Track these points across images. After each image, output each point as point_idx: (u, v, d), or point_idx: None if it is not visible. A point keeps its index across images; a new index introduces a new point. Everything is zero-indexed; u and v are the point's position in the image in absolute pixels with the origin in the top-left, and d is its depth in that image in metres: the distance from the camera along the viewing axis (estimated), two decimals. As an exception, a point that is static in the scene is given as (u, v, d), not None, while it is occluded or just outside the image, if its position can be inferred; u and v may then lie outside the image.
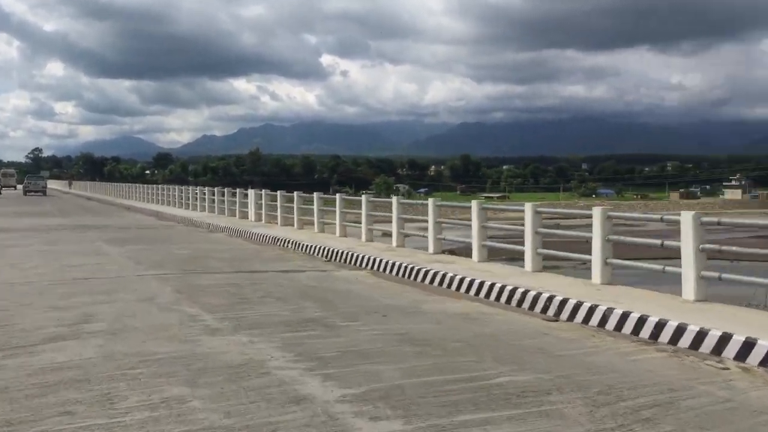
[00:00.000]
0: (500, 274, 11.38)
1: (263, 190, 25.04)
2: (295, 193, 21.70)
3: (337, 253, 15.46)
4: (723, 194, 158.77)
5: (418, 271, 12.32)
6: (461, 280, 11.12)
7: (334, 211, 19.55)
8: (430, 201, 15.13)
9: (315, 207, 20.34)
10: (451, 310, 9.39)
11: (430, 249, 14.71)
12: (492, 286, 10.38)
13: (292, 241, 17.99)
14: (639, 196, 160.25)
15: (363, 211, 17.81)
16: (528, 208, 11.86)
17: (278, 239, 18.87)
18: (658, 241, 9.80)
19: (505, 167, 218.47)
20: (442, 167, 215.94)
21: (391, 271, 13.14)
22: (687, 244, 8.97)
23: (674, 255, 9.61)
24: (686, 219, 9.00)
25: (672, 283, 9.50)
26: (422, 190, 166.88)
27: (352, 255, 14.84)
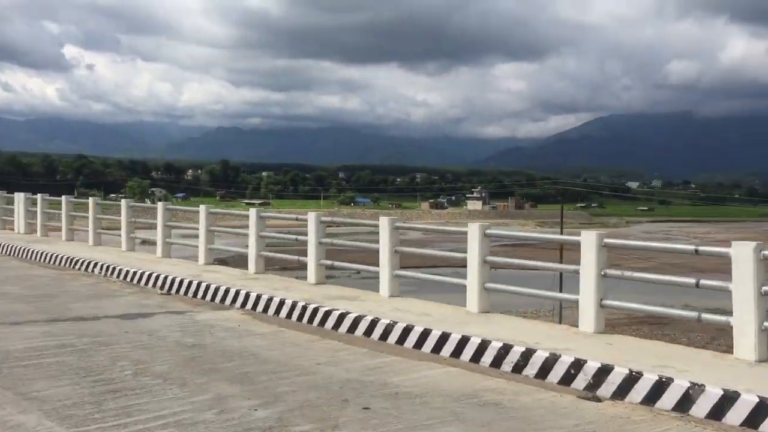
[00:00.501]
0: (446, 318, 8.64)
1: (45, 195, 19.53)
2: (91, 200, 16.99)
3: (175, 282, 11.61)
4: (466, 205, 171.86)
5: (328, 314, 9.09)
6: (407, 330, 8.09)
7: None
8: (202, 207, 14.01)
9: (123, 218, 15.93)
10: (447, 386, 6.36)
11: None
12: (465, 341, 7.53)
13: (101, 264, 13.58)
14: (394, 206, 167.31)
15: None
16: (475, 229, 9.25)
17: (77, 261, 14.25)
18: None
19: (264, 174, 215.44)
20: (200, 171, 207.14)
21: (277, 311, 9.74)
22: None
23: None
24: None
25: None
26: (180, 195, 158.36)
27: (198, 285, 11.17)
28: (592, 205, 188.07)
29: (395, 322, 8.33)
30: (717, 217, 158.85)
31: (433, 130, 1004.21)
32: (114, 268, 13.20)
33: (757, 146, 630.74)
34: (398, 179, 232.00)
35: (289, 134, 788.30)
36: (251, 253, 12.55)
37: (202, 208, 13.93)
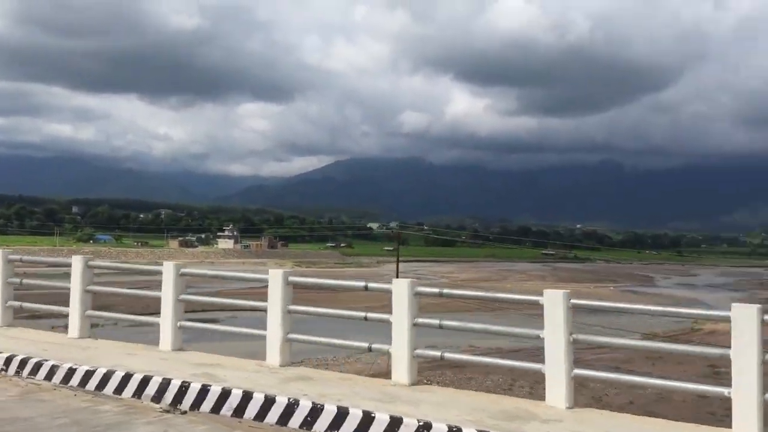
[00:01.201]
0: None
1: None
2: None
3: (190, 392, 7.50)
4: (217, 243, 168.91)
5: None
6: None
7: None
8: None
9: None
10: None
11: None
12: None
13: (6, 357, 8.76)
14: (139, 244, 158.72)
15: None
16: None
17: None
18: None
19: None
20: None
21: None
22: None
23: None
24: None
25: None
26: None
27: (245, 396, 7.16)
28: (341, 245, 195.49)
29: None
30: (450, 256, 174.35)
31: (174, 165, 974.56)
32: (35, 364, 8.43)
33: (476, 192, 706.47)
34: (141, 215, 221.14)
35: (8, 163, 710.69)
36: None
37: None
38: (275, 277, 8.52)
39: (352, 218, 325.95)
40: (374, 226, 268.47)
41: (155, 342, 9.53)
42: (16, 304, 10.70)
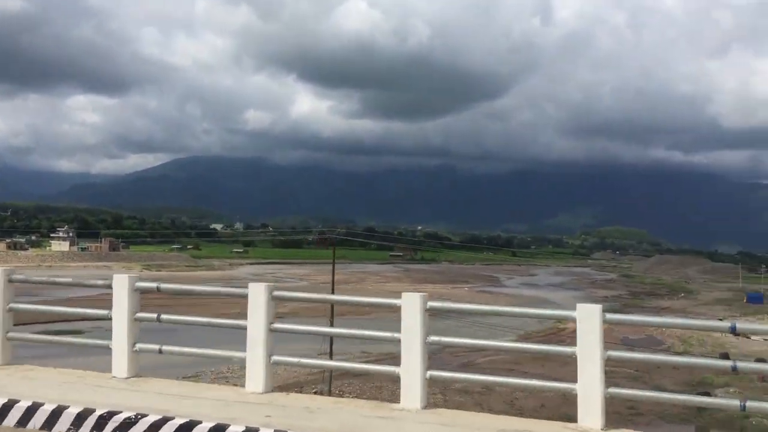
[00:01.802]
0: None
1: None
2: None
3: None
4: (50, 246, 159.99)
5: None
6: None
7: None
8: None
9: None
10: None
11: None
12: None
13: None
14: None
15: None
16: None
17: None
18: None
19: None
20: None
21: None
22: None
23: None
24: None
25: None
26: None
27: None
28: (188, 246, 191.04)
29: None
30: (299, 258, 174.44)
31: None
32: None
33: (320, 193, 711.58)
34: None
35: None
36: None
37: None
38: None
39: (192, 219, 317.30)
40: (218, 227, 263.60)
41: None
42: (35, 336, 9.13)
